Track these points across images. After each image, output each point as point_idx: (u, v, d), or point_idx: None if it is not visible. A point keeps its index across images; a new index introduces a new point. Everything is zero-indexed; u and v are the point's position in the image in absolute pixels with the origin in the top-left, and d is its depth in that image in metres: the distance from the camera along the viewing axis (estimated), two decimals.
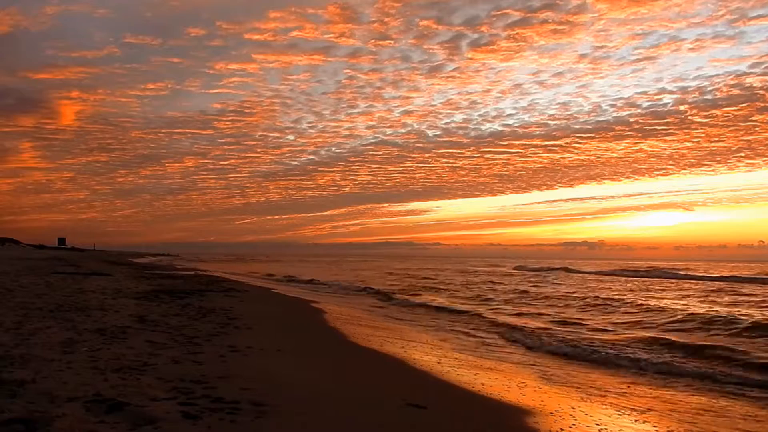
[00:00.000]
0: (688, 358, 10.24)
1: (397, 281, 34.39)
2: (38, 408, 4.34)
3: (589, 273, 52.70)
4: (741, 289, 28.90)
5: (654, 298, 22.66)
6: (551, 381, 8.10)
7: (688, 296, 23.85)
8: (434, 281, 34.61)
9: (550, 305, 19.98)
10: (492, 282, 33.91)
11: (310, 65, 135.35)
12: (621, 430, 5.59)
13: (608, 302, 19.62)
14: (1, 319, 8.89)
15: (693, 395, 7.89)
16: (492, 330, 13.94)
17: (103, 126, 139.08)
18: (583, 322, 15.30)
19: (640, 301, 19.67)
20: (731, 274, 47.03)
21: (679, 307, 18.10)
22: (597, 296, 22.16)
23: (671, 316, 15.60)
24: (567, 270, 57.87)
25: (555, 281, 36.44)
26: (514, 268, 62.88)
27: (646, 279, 41.55)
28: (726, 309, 17.75)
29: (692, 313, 15.89)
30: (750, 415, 6.92)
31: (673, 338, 12.07)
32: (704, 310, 17.24)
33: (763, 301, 21.20)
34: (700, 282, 36.54)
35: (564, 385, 7.88)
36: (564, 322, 15.38)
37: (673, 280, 38.82)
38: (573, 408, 6.30)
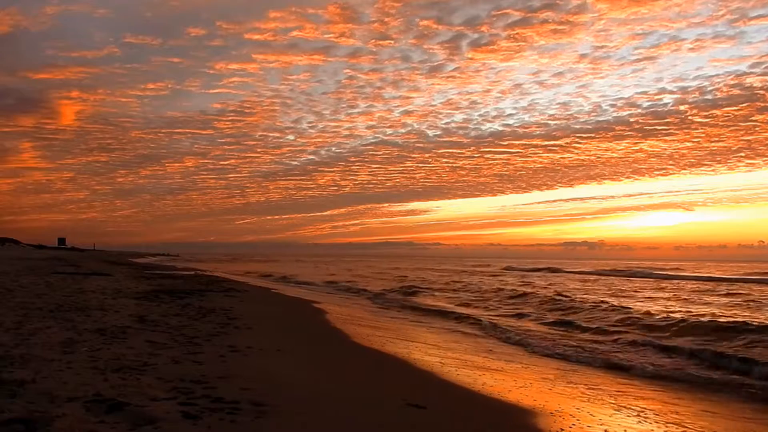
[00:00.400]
0: (684, 360, 10.25)
1: (394, 281, 34.39)
2: (38, 408, 4.34)
3: (576, 273, 52.48)
4: (717, 289, 28.91)
5: (631, 298, 22.65)
6: (551, 381, 8.10)
7: (669, 297, 23.77)
8: (431, 282, 34.60)
9: (532, 305, 19.99)
10: (481, 282, 33.85)
11: (310, 65, 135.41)
12: (625, 430, 5.58)
13: (589, 303, 19.54)
14: (1, 319, 8.88)
15: (693, 396, 7.90)
16: (488, 331, 13.96)
17: (103, 126, 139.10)
18: (574, 322, 15.31)
19: (615, 303, 19.55)
20: (713, 274, 46.85)
21: (657, 308, 18.11)
22: (575, 297, 22.01)
23: (648, 317, 15.52)
24: (551, 270, 57.85)
25: (537, 282, 36.08)
26: (504, 269, 63.09)
27: (627, 279, 41.49)
28: (705, 309, 17.83)
29: (670, 315, 15.84)
30: (750, 417, 6.93)
31: (656, 339, 12.09)
32: (680, 311, 17.27)
33: (730, 301, 21.19)
34: (686, 282, 36.50)
35: (563, 385, 7.88)
36: (553, 323, 15.43)
37: (652, 280, 38.75)
38: (576, 408, 6.29)
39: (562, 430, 5.31)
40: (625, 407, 6.69)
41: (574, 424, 5.52)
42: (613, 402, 6.95)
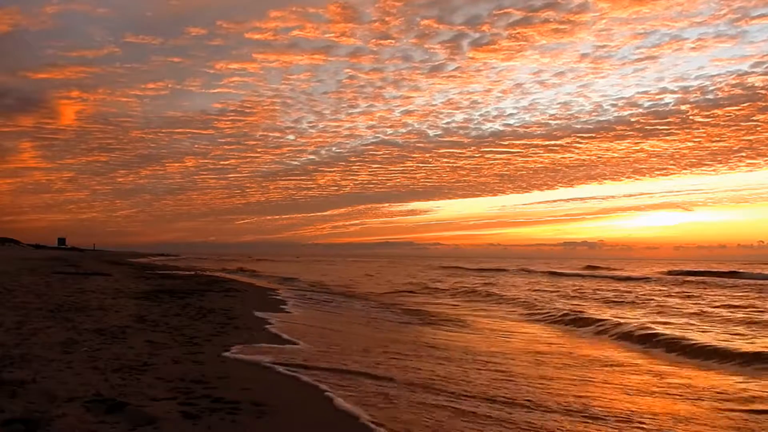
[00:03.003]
0: None
1: (388, 282, 34.40)
2: (38, 408, 4.34)
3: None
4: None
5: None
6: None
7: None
8: (431, 283, 34.62)
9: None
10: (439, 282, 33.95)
11: (310, 65, 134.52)
12: None
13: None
14: (1, 319, 8.89)
15: None
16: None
17: (103, 126, 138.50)
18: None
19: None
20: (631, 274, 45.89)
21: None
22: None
23: None
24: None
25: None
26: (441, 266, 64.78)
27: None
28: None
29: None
30: None
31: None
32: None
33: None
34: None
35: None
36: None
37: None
38: None
39: None
40: None
41: None
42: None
